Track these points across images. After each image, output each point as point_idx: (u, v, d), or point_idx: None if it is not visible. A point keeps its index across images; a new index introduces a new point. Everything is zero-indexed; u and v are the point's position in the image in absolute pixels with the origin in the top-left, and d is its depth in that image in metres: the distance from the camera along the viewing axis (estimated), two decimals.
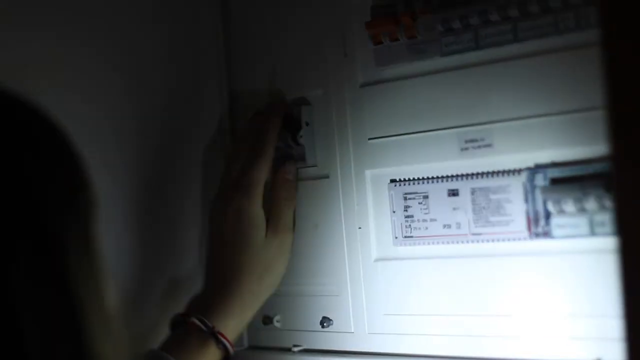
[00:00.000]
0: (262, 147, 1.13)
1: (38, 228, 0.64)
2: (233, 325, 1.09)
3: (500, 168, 0.95)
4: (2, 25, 1.05)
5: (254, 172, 1.12)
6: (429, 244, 1.02)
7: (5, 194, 0.64)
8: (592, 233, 0.88)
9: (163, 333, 1.11)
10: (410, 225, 1.03)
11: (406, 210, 1.04)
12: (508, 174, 0.95)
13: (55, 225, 0.65)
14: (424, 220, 1.02)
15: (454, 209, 0.99)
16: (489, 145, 0.96)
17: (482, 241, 0.97)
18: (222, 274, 1.11)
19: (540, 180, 0.92)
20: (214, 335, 1.07)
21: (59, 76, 1.09)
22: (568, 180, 0.89)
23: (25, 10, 1.07)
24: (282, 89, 1.18)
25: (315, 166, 1.14)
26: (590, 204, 0.87)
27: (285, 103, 1.16)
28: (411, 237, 1.03)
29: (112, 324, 0.67)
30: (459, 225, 0.99)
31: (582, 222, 0.88)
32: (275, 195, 1.14)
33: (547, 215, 0.91)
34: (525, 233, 0.93)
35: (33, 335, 0.62)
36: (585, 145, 0.88)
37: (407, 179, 1.04)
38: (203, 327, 1.07)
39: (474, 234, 0.98)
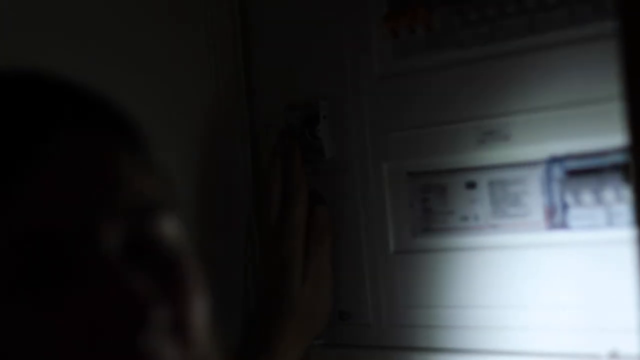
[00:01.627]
0: (294, 193, 1.14)
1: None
2: None
3: (518, 160, 0.95)
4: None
5: (293, 217, 1.13)
6: (446, 236, 1.02)
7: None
8: (610, 224, 0.88)
9: None
10: (428, 217, 1.03)
11: (424, 203, 1.04)
12: (525, 166, 0.94)
13: None
14: (442, 213, 1.02)
15: (472, 201, 0.99)
16: (506, 138, 0.96)
17: (500, 233, 0.97)
18: (262, 322, 1.12)
19: (557, 172, 0.92)
20: None
21: None
22: (585, 172, 0.89)
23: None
24: (299, 83, 1.18)
25: (333, 160, 1.14)
26: (608, 195, 0.87)
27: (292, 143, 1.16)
28: (429, 229, 1.03)
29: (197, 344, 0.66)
30: (476, 217, 0.99)
31: (599, 213, 0.88)
32: (308, 241, 1.14)
33: (565, 207, 0.91)
34: (543, 225, 0.93)
35: None
36: (603, 137, 0.88)
37: (424, 171, 1.04)
38: None
39: (491, 226, 0.98)
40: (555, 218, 0.92)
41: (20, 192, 0.61)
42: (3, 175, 0.61)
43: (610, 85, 0.84)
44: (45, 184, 0.61)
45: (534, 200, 0.94)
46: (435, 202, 1.03)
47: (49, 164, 0.62)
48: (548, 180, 0.92)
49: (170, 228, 0.67)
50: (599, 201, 0.88)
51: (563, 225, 0.91)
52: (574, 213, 0.90)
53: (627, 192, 0.85)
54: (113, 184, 0.64)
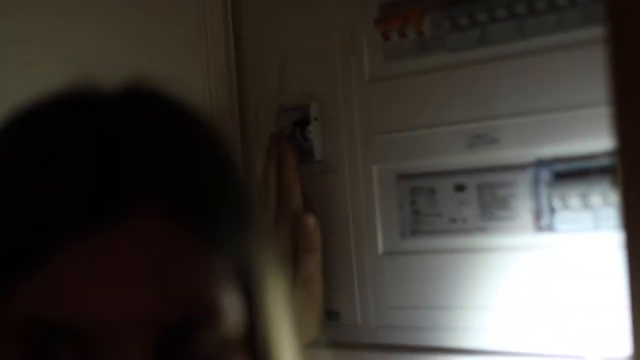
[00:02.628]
0: (287, 198, 1.14)
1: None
2: None
3: (506, 163, 0.96)
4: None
5: (285, 223, 1.14)
6: (435, 238, 1.02)
7: None
8: (597, 228, 0.89)
9: None
10: (416, 219, 1.04)
11: (413, 205, 1.04)
12: (513, 169, 0.95)
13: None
14: (431, 215, 1.03)
15: (460, 203, 1.00)
16: (495, 141, 0.97)
17: (488, 235, 0.98)
18: None
19: (545, 175, 0.92)
20: None
21: None
22: (573, 176, 0.90)
23: None
24: (290, 84, 1.18)
25: (323, 161, 1.15)
26: (595, 199, 0.88)
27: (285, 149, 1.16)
28: (418, 231, 1.04)
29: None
30: (465, 220, 0.99)
31: (586, 217, 0.89)
32: (297, 248, 1.14)
33: (552, 210, 0.92)
34: (530, 227, 0.94)
35: None
36: (590, 141, 0.89)
37: (413, 174, 1.05)
38: None
39: (479, 229, 0.98)
40: (543, 221, 0.93)
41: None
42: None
43: (598, 90, 0.85)
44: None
45: (522, 203, 0.94)
46: (424, 204, 1.03)
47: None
48: (536, 183, 0.93)
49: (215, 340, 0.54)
50: (586, 205, 0.89)
51: (550, 228, 0.92)
52: (562, 216, 0.91)
53: (614, 196, 0.86)
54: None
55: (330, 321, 1.13)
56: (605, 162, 0.87)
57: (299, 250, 1.13)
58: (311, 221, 1.14)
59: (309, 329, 1.12)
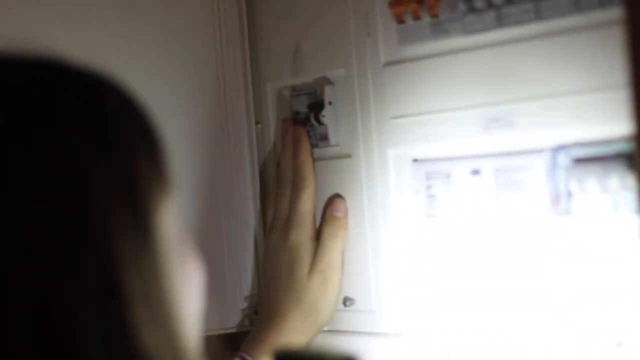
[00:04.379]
0: (303, 182, 1.15)
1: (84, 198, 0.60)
2: None
3: (523, 147, 0.95)
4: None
5: (301, 206, 1.14)
6: (451, 222, 1.02)
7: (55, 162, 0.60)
8: (615, 212, 0.88)
9: None
10: (432, 204, 1.03)
11: (428, 190, 1.04)
12: (530, 153, 0.94)
13: (102, 201, 0.60)
14: (447, 199, 1.02)
15: (477, 187, 0.99)
16: (511, 125, 0.96)
17: (504, 220, 0.97)
18: (268, 310, 1.14)
19: (562, 159, 0.92)
20: None
21: None
22: (590, 160, 0.89)
23: None
24: (304, 68, 1.18)
25: (338, 145, 1.14)
26: (613, 183, 0.87)
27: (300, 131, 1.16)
28: (433, 215, 1.03)
29: (167, 320, 0.62)
30: (481, 204, 0.99)
31: (604, 201, 0.88)
32: (321, 231, 1.14)
33: (569, 194, 0.91)
34: (548, 212, 0.93)
35: (70, 311, 0.59)
36: (608, 125, 0.87)
37: (429, 158, 1.04)
38: None
39: (496, 213, 0.98)
40: (560, 205, 0.92)
41: None
42: None
43: (615, 73, 0.84)
44: None
45: (539, 187, 0.93)
46: (439, 189, 1.03)
47: None
48: (553, 167, 0.92)
49: None
50: (604, 189, 0.88)
51: (567, 212, 0.91)
52: (579, 200, 0.90)
53: (631, 180, 0.85)
54: None
55: (345, 307, 1.13)
56: (623, 146, 0.86)
57: (323, 237, 1.13)
58: (343, 206, 1.13)
59: (322, 316, 1.12)
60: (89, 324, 0.58)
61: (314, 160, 1.16)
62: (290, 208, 1.15)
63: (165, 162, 0.65)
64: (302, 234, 1.13)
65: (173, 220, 0.65)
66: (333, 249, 1.12)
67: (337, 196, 1.14)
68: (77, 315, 0.58)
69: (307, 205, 1.14)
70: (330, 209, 1.13)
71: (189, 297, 0.67)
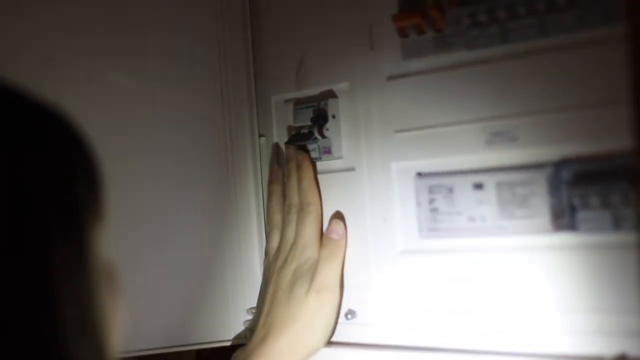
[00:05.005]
0: (308, 207, 1.15)
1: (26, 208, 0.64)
2: None
3: (526, 162, 0.95)
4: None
5: (306, 231, 1.15)
6: (453, 236, 1.02)
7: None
8: (617, 228, 0.88)
9: None
10: (435, 218, 1.03)
11: (431, 203, 1.04)
12: (533, 168, 0.94)
13: (44, 212, 0.64)
14: (449, 213, 1.02)
15: (479, 202, 0.99)
16: (514, 139, 0.96)
17: (507, 234, 0.97)
18: (263, 328, 1.13)
19: (565, 174, 0.92)
20: None
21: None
22: (593, 175, 0.89)
23: None
24: (309, 81, 1.18)
25: (341, 159, 1.14)
26: (615, 198, 0.87)
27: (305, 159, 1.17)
28: (436, 229, 1.03)
29: (94, 330, 0.65)
30: (483, 219, 0.99)
31: (606, 216, 0.88)
32: (319, 253, 1.14)
33: (572, 210, 0.91)
34: (550, 227, 0.93)
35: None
36: (611, 140, 0.88)
37: (432, 172, 1.04)
38: None
39: (498, 228, 0.98)
40: (563, 220, 0.92)
41: None
42: None
43: (618, 89, 0.84)
44: None
45: (542, 202, 0.94)
46: (442, 203, 1.03)
47: None
48: (556, 182, 0.92)
49: None
50: (607, 204, 0.88)
51: (570, 227, 0.91)
52: (582, 216, 0.90)
53: (634, 196, 0.85)
54: None
55: (347, 320, 1.13)
56: (625, 161, 0.86)
57: (321, 257, 1.13)
58: (340, 227, 1.13)
59: (316, 336, 1.12)
60: (21, 329, 0.62)
61: (318, 182, 1.16)
62: (297, 232, 1.15)
63: (102, 190, 0.69)
64: (307, 256, 1.14)
65: (105, 244, 0.68)
66: (328, 270, 1.13)
67: (336, 217, 1.14)
68: (10, 321, 0.62)
69: (312, 229, 1.15)
70: (327, 230, 1.14)
71: (115, 313, 0.70)
